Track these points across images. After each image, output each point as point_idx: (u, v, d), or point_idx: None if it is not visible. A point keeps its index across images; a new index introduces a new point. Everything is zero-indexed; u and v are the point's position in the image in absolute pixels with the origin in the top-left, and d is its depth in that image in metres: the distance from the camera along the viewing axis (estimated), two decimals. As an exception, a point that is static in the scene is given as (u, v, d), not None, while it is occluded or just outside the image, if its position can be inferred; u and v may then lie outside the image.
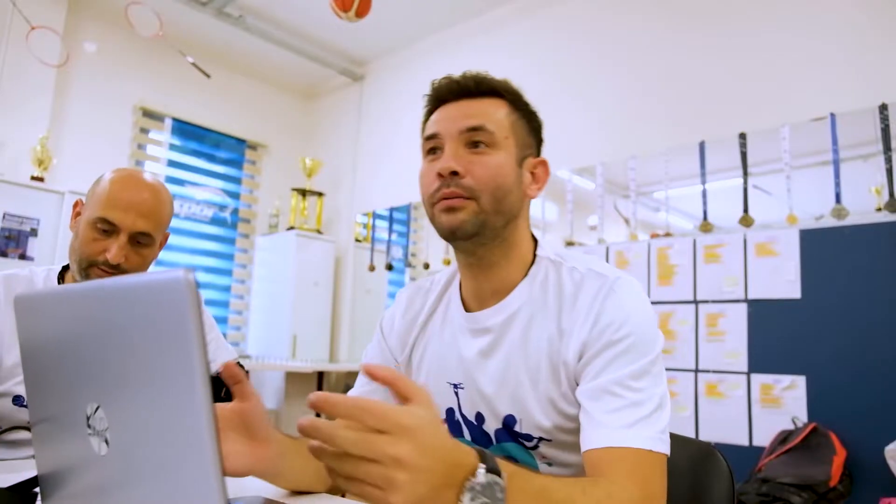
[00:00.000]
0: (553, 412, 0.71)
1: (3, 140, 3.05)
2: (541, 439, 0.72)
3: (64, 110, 3.42)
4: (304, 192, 4.09)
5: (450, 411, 0.79)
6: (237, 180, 4.22)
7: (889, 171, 2.13)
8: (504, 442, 0.75)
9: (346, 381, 3.84)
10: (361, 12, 2.58)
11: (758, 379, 2.13)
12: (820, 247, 2.09)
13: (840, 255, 2.05)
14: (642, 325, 0.69)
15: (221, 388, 1.11)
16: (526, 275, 0.76)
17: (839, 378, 1.98)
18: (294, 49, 3.89)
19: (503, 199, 0.73)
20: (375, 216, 4.04)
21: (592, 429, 0.64)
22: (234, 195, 4.19)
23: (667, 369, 2.33)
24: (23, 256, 2.95)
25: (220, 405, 0.61)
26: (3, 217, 2.90)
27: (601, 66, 3.03)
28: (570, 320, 0.71)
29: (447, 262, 3.43)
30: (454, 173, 0.71)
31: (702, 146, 2.58)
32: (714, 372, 2.23)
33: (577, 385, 0.70)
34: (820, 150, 2.30)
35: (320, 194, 4.16)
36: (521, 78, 3.19)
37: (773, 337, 2.13)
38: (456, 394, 0.78)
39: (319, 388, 3.68)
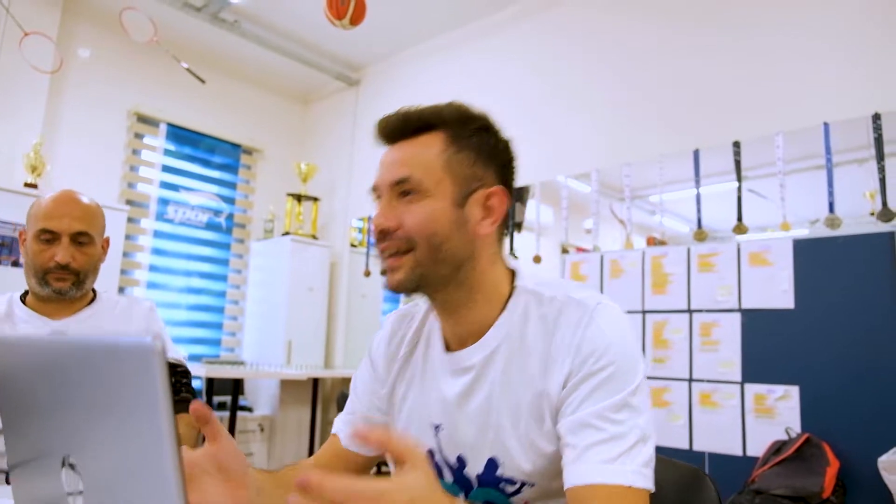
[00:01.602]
0: (535, 454, 0.69)
1: (-4, 146, 3.04)
2: (524, 484, 0.70)
3: (57, 116, 3.40)
4: (299, 197, 4.08)
5: (430, 453, 0.77)
6: (232, 185, 4.21)
7: (882, 181, 2.14)
8: (486, 486, 0.72)
9: (341, 387, 3.84)
10: (356, 20, 2.58)
11: (752, 389, 2.13)
12: (814, 257, 2.10)
13: (833, 266, 2.05)
14: (623, 354, 0.66)
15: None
16: (504, 309, 0.73)
17: (833, 388, 1.98)
18: (289, 54, 3.89)
19: (440, 246, 0.69)
20: (371, 221, 4.04)
21: (573, 464, 0.63)
22: (230, 200, 4.18)
23: (661, 378, 2.34)
24: (16, 263, 2.94)
25: (193, 451, 0.60)
26: (-4, 224, 2.89)
27: (596, 72, 3.03)
28: (553, 352, 0.68)
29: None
30: (384, 230, 0.70)
31: (696, 154, 2.58)
32: (708, 381, 2.23)
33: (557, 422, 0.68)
34: (815, 154, 2.30)
35: (315, 199, 4.15)
36: (516, 83, 3.22)
37: (767, 347, 2.13)
38: (437, 435, 0.76)
39: (314, 394, 3.68)
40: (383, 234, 0.70)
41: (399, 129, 0.73)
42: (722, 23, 2.62)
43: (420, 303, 0.85)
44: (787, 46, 2.42)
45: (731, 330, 2.20)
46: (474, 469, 0.72)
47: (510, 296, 0.74)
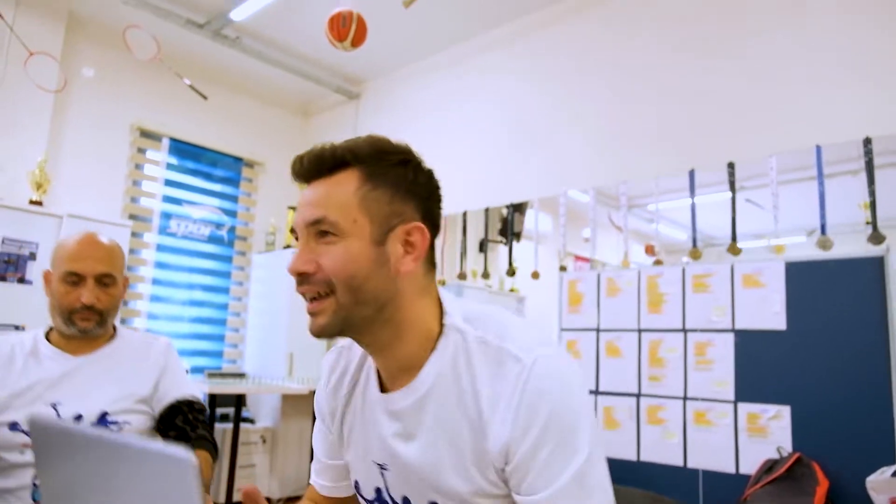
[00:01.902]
0: (477, 496, 0.68)
1: (2, 164, 3.08)
2: None
3: (61, 132, 3.45)
4: (300, 210, 4.12)
5: (378, 490, 0.76)
6: (234, 198, 4.26)
7: (872, 204, 2.19)
8: None
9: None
10: (357, 42, 2.62)
11: (745, 408, 2.18)
12: (805, 279, 2.15)
13: (824, 288, 2.10)
14: (570, 420, 0.65)
15: (177, 415, 1.28)
16: (434, 349, 0.71)
17: (823, 408, 2.03)
18: (290, 69, 3.93)
19: (361, 288, 0.67)
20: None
21: None
22: (231, 213, 4.23)
23: (656, 396, 2.38)
24: (21, 280, 2.98)
25: None
26: (3, 241, 2.93)
27: (595, 90, 3.08)
28: (487, 407, 0.67)
29: (442, 283, 3.47)
30: (302, 274, 0.68)
31: (691, 174, 2.63)
32: (702, 400, 2.28)
33: (506, 480, 0.68)
34: (812, 164, 2.34)
35: (316, 212, 4.19)
36: (515, 99, 3.28)
37: (760, 367, 2.17)
38: (382, 474, 0.75)
39: (316, 406, 3.71)
40: (301, 278, 0.68)
41: (314, 168, 0.71)
42: (719, 46, 2.67)
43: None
44: (782, 70, 2.47)
45: (724, 350, 2.25)
46: None
47: (441, 334, 0.72)
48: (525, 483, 0.65)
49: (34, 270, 3.01)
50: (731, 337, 2.25)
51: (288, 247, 4.03)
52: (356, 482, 0.80)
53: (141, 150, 3.80)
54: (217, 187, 4.16)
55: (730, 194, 2.53)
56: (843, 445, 1.96)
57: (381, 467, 0.74)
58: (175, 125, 3.92)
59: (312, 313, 0.70)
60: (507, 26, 3.51)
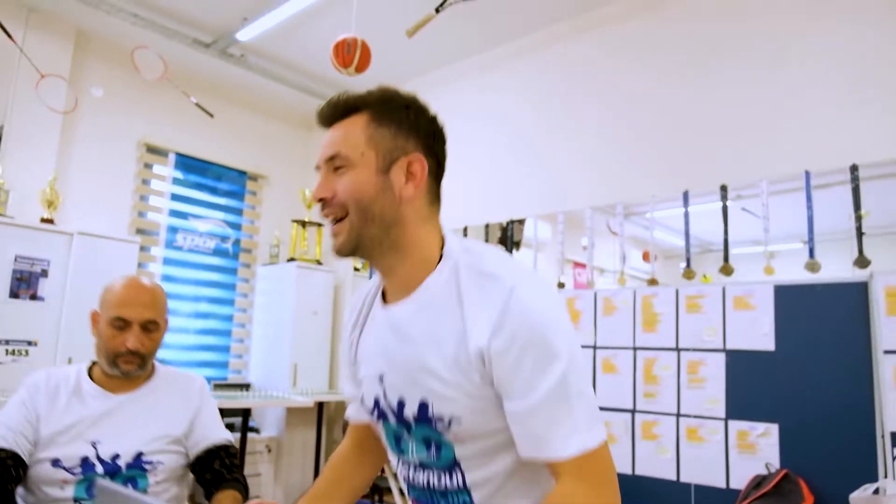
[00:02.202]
0: (462, 396, 0.76)
1: (13, 184, 3.15)
2: (451, 421, 0.77)
3: (70, 150, 3.52)
4: (304, 223, 4.21)
5: (376, 400, 0.85)
6: (238, 211, 4.33)
7: (858, 230, 2.27)
8: (422, 425, 0.80)
9: (345, 412, 3.96)
10: (361, 68, 2.70)
11: (735, 425, 2.27)
12: (793, 302, 2.23)
13: (812, 311, 2.19)
14: (547, 332, 0.72)
15: (215, 459, 1.35)
16: (433, 271, 0.81)
17: (809, 427, 2.12)
18: (293, 85, 4.01)
19: (368, 208, 0.78)
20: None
21: (533, 444, 0.73)
22: (236, 226, 4.31)
23: (651, 412, 2.48)
24: (34, 297, 3.06)
25: None
26: (15, 259, 3.01)
27: (592, 112, 3.16)
28: (470, 319, 0.75)
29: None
30: (322, 200, 0.81)
31: (685, 195, 2.72)
32: (695, 417, 2.37)
33: (488, 379, 0.75)
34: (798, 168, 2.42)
35: (319, 225, 4.27)
36: (514, 117, 3.39)
37: (750, 386, 2.26)
38: (381, 384, 0.84)
39: (319, 417, 3.80)
40: (322, 204, 0.81)
41: (330, 114, 0.83)
42: (713, 72, 2.76)
43: None
44: (774, 97, 2.56)
45: (716, 369, 2.34)
46: (411, 411, 0.80)
47: (440, 259, 0.82)
48: (511, 390, 0.73)
49: (46, 287, 3.09)
50: (722, 357, 2.34)
51: (292, 259, 4.11)
52: (363, 398, 0.90)
53: (148, 166, 3.87)
54: (222, 201, 4.24)
55: (728, 203, 2.61)
56: (828, 462, 2.05)
57: (381, 378, 0.84)
58: (181, 140, 4.00)
59: (333, 234, 0.82)
60: (507, 46, 3.59)
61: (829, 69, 2.44)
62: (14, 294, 3.00)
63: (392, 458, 0.90)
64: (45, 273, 3.10)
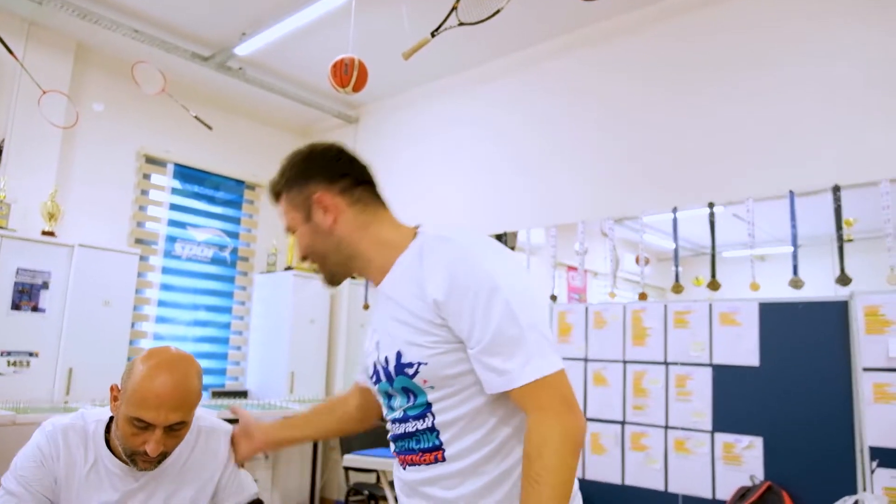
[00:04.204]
0: (426, 342, 0.89)
1: (15, 197, 3.19)
2: (419, 365, 0.90)
3: (69, 162, 3.56)
4: (300, 232, 4.25)
5: (374, 364, 0.99)
6: (236, 220, 4.38)
7: (840, 249, 2.35)
8: (399, 375, 0.93)
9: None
10: (358, 87, 2.76)
11: (721, 438, 2.34)
12: (777, 319, 2.31)
13: (795, 328, 2.26)
14: (490, 274, 0.85)
15: None
16: (403, 252, 0.97)
17: (792, 440, 2.20)
18: (290, 96, 4.06)
19: (317, 250, 1.01)
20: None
21: (493, 378, 0.84)
22: (234, 235, 4.36)
23: (640, 424, 2.55)
24: (35, 309, 3.10)
25: (251, 423, 1.29)
26: (17, 272, 3.06)
27: (584, 128, 3.23)
28: (427, 276, 0.89)
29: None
30: (302, 258, 1.04)
31: (674, 211, 2.79)
32: (682, 429, 2.44)
33: (446, 328, 0.88)
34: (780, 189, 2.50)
35: (316, 234, 4.32)
36: (507, 131, 3.48)
37: (735, 400, 2.34)
38: (377, 349, 0.98)
39: (317, 424, 3.85)
40: (304, 261, 1.05)
41: (272, 199, 1.08)
42: (702, 92, 2.83)
43: None
44: (760, 118, 2.63)
45: (702, 383, 2.42)
46: (392, 364, 0.94)
47: (412, 240, 0.98)
48: (468, 335, 0.86)
49: (47, 299, 3.13)
50: (709, 371, 2.41)
51: (289, 268, 4.16)
52: (366, 368, 1.05)
53: (146, 176, 3.92)
54: (220, 210, 4.29)
55: (719, 210, 2.68)
56: (809, 475, 2.13)
57: (377, 344, 0.99)
58: (179, 151, 4.04)
59: (320, 277, 1.05)
60: (500, 61, 3.66)
61: (815, 91, 2.51)
62: (16, 306, 3.04)
63: (385, 415, 1.03)
64: (46, 285, 3.14)
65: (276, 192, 1.06)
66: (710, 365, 2.41)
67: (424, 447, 0.92)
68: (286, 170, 1.04)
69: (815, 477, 2.12)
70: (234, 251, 4.34)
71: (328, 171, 1.01)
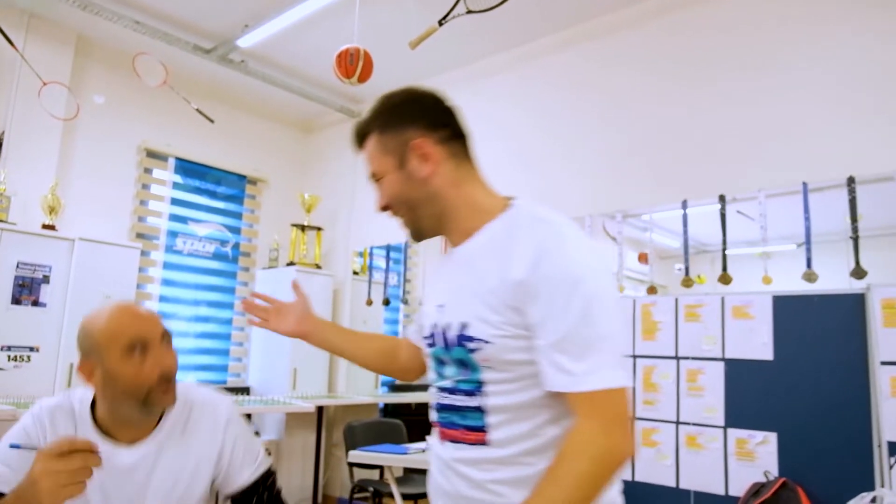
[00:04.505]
0: (496, 321, 0.84)
1: (15, 190, 3.15)
2: (482, 342, 0.85)
3: (70, 155, 3.52)
4: (302, 227, 4.22)
5: (433, 325, 0.95)
6: (238, 215, 4.34)
7: (855, 241, 2.31)
8: (458, 346, 0.88)
9: (344, 414, 3.98)
10: (363, 78, 2.71)
11: (733, 433, 2.30)
12: (792, 313, 2.27)
13: (810, 322, 2.22)
14: (582, 272, 0.79)
15: (252, 497, 1.21)
16: (494, 218, 0.92)
17: (807, 436, 2.15)
18: (293, 90, 4.02)
19: (407, 200, 0.94)
20: (372, 252, 4.18)
21: (556, 376, 0.78)
22: (235, 230, 4.31)
23: (650, 420, 2.51)
24: (35, 303, 3.06)
25: (289, 303, 1.18)
26: (17, 266, 3.01)
27: (590, 122, 3.18)
28: (515, 254, 0.83)
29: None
30: (383, 208, 0.97)
31: (684, 204, 2.75)
32: (694, 424, 2.40)
33: (521, 311, 0.82)
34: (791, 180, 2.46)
35: (319, 229, 4.28)
36: (512, 126, 3.42)
37: (749, 394, 2.30)
38: (439, 312, 0.94)
39: (319, 421, 3.82)
40: (384, 211, 0.97)
41: (356, 144, 1.00)
42: (712, 84, 2.79)
43: None
44: (772, 109, 2.59)
45: (715, 377, 2.37)
46: (454, 332, 0.89)
47: (504, 210, 0.93)
48: (540, 324, 0.80)
49: (48, 293, 3.09)
50: (721, 365, 2.37)
51: (291, 263, 4.12)
52: (422, 327, 1.01)
53: (148, 171, 3.87)
54: (221, 205, 4.25)
55: (726, 205, 2.64)
56: (825, 471, 2.08)
57: (440, 307, 0.94)
58: (180, 145, 4.00)
59: (404, 228, 0.98)
60: (505, 54, 3.61)
61: (827, 80, 2.47)
62: (16, 300, 3.00)
63: (432, 380, 0.98)
64: (46, 279, 3.10)
65: (364, 134, 0.97)
66: (723, 359, 2.37)
67: (469, 425, 0.88)
68: (381, 110, 0.96)
69: (831, 473, 2.08)
70: (236, 246, 4.30)
71: (429, 118, 0.95)
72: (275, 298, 1.20)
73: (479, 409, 0.87)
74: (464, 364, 0.88)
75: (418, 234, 0.97)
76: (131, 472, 1.06)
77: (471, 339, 0.86)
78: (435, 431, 0.97)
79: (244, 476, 1.16)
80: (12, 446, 1.04)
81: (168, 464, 1.10)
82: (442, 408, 0.93)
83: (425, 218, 0.95)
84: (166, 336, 1.09)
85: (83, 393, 1.13)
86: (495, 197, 0.96)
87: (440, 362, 0.94)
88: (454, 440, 0.90)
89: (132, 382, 1.03)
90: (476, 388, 0.87)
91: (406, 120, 0.94)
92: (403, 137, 0.92)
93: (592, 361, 0.77)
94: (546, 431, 0.84)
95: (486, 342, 0.84)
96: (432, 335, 0.94)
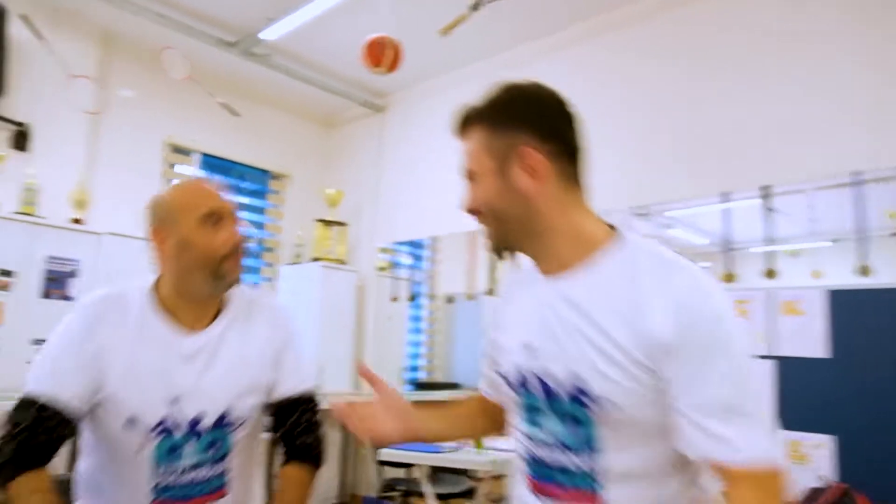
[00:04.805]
0: (623, 377, 0.73)
1: (43, 184, 3.14)
2: (605, 400, 0.74)
3: (96, 150, 3.50)
4: (327, 223, 4.17)
5: (517, 369, 0.84)
6: (261, 210, 4.31)
7: (912, 233, 2.18)
8: (566, 399, 0.78)
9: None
10: (393, 67, 2.64)
11: (786, 436, 2.19)
12: (849, 307, 2.15)
13: (869, 317, 2.10)
14: (731, 331, 0.72)
15: (293, 412, 1.15)
16: (603, 251, 0.80)
17: (872, 440, 2.03)
18: (317, 84, 3.96)
19: (499, 212, 0.82)
20: (396, 247, 4.12)
21: (709, 442, 0.70)
22: (259, 225, 4.28)
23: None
24: (64, 297, 3.04)
25: (377, 400, 0.94)
26: (47, 260, 3.00)
27: (624, 113, 3.07)
28: (647, 304, 0.73)
29: (470, 297, 3.50)
30: (469, 211, 0.86)
31: (723, 199, 2.63)
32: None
33: (656, 367, 0.73)
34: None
35: (343, 224, 4.23)
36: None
37: (802, 395, 2.18)
38: (527, 352, 0.83)
39: (346, 418, 3.75)
40: (470, 214, 0.86)
41: (457, 129, 0.87)
42: (751, 71, 2.66)
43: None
44: (816, 96, 2.46)
45: (764, 376, 2.26)
46: (563, 382, 0.78)
47: (612, 242, 0.82)
48: (688, 385, 0.71)
49: (76, 288, 3.07)
50: (771, 364, 2.26)
51: (316, 259, 4.07)
52: (500, 366, 0.90)
53: (172, 166, 3.85)
54: (245, 200, 4.22)
55: (757, 202, 2.52)
56: (892, 479, 1.96)
57: (527, 346, 0.83)
58: (205, 140, 3.97)
59: (485, 238, 0.87)
60: (532, 44, 3.52)
61: (877, 62, 2.33)
62: (46, 294, 2.98)
63: (520, 429, 0.87)
64: (74, 273, 3.08)
65: (469, 121, 0.85)
66: (773, 357, 2.26)
67: (579, 486, 0.78)
68: (496, 101, 0.84)
69: (894, 479, 1.96)
70: (260, 242, 4.27)
71: (547, 125, 0.82)
72: (367, 402, 0.97)
73: (590, 469, 0.78)
74: (575, 420, 0.78)
75: (501, 250, 0.86)
76: (192, 360, 1.06)
77: (590, 396, 0.76)
78: (523, 479, 0.87)
79: (289, 385, 1.15)
80: None
81: (228, 354, 1.09)
82: (536, 461, 0.83)
83: (514, 234, 0.83)
84: (235, 213, 1.11)
85: (136, 283, 1.14)
86: (602, 225, 0.84)
87: (534, 410, 0.83)
88: (556, 498, 0.81)
89: (207, 248, 1.04)
90: (587, 446, 0.78)
91: (519, 121, 0.82)
92: (512, 140, 0.81)
93: (752, 426, 0.70)
94: (668, 486, 0.76)
95: (612, 402, 0.74)
96: (523, 380, 0.84)
